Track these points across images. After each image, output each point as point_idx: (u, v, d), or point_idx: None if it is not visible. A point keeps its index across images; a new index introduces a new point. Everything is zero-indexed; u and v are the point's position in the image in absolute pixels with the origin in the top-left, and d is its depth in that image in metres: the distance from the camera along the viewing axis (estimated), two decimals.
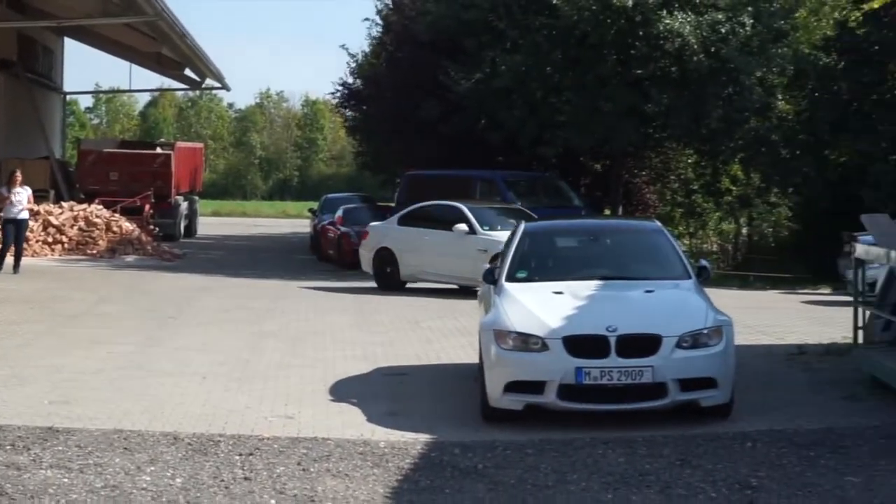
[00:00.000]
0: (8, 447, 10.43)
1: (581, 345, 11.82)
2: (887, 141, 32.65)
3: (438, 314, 21.16)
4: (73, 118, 63.13)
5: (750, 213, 37.12)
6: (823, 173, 34.19)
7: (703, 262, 14.60)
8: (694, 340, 12.01)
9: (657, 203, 36.23)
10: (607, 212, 33.31)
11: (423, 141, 35.29)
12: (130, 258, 33.74)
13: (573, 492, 9.45)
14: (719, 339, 12.15)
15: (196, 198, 49.03)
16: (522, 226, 15.11)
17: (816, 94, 34.07)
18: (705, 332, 12.12)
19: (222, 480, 9.54)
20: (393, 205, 33.34)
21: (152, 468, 9.86)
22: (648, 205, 35.59)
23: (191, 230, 44.72)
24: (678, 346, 11.90)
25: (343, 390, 13.88)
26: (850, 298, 24.59)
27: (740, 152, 35.58)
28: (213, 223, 51.32)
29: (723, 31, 32.21)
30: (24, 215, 28.74)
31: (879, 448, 10.99)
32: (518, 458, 10.55)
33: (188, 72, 51.24)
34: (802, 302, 24.98)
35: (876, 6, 33.45)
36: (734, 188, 37.37)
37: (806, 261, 30.75)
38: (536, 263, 13.88)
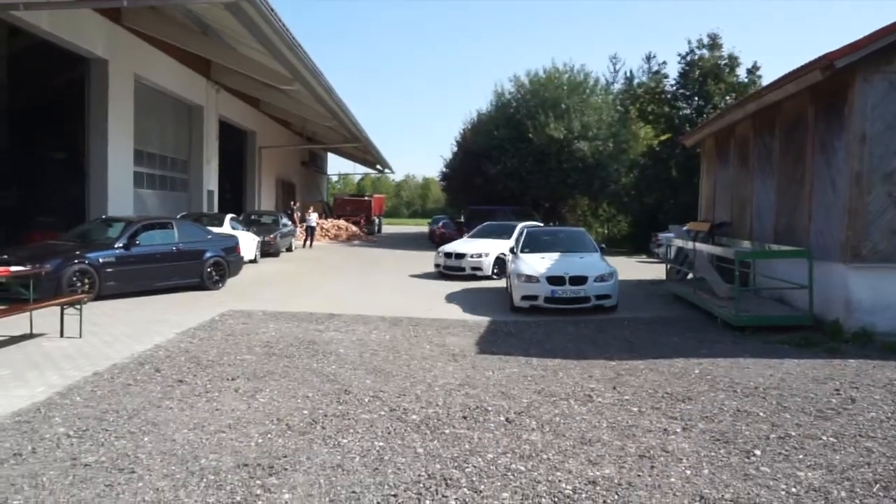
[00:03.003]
0: (314, 321, 10.07)
1: (553, 280, 11.38)
2: (668, 195, 31.76)
3: None
4: (329, 185, 63.14)
5: (611, 224, 36.14)
6: (642, 208, 33.37)
7: (602, 245, 13.95)
8: (601, 278, 11.51)
9: (573, 221, 35.28)
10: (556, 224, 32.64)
11: (475, 194, 34.51)
12: (356, 242, 33.42)
13: (553, 342, 9.02)
14: (612, 277, 11.65)
15: (381, 217, 48.82)
16: (525, 229, 14.67)
17: (639, 176, 33.18)
18: (605, 274, 11.62)
19: (405, 337, 9.13)
20: (462, 220, 32.56)
21: (375, 331, 9.47)
22: (568, 221, 34.70)
23: (379, 230, 44.35)
24: (595, 280, 11.42)
25: (451, 298, 13.40)
26: (656, 261, 24.21)
27: (607, 199, 34.93)
28: (388, 228, 50.69)
29: (600, 148, 31.50)
30: (314, 224, 28.51)
31: (681, 325, 10.41)
32: (529, 328, 10.07)
33: (377, 166, 50.96)
34: (636, 262, 24.16)
35: (663, 139, 32.94)
36: (604, 214, 36.57)
37: (634, 245, 29.62)
38: (532, 245, 13.31)
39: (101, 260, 11.21)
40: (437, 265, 17.48)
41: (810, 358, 7.95)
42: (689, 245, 13.53)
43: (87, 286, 10.86)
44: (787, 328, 9.61)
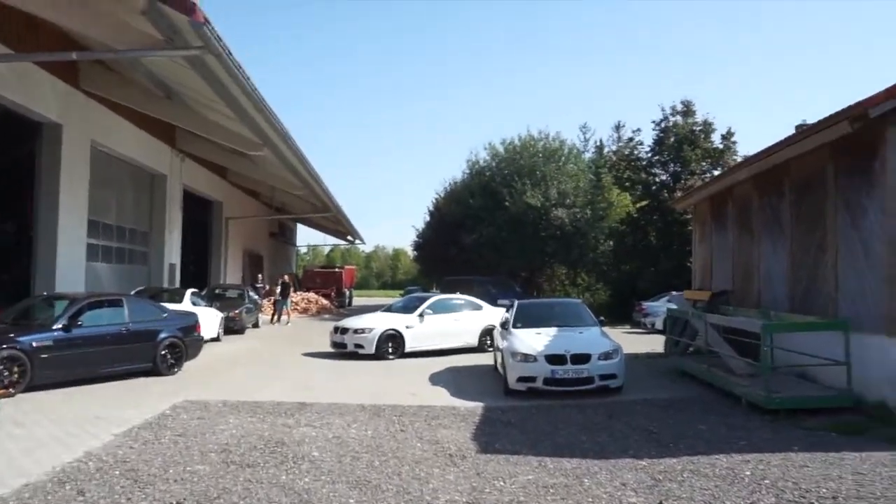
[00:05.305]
0: (282, 413, 8.66)
1: (553, 358, 10.13)
2: (646, 262, 31.12)
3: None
4: (299, 256, 61.71)
5: (590, 293, 34.84)
6: (621, 276, 32.56)
7: (601, 318, 12.69)
8: (606, 356, 10.31)
9: (550, 291, 34.22)
10: (535, 293, 31.54)
11: (450, 265, 33.29)
12: (326, 315, 31.78)
13: (563, 434, 7.77)
14: (617, 354, 10.45)
15: (352, 289, 47.28)
16: (517, 302, 13.37)
17: (617, 244, 32.46)
18: (610, 351, 10.41)
19: (390, 432, 7.77)
20: (437, 291, 31.33)
21: (355, 425, 8.09)
22: (546, 291, 33.70)
23: (350, 303, 42.70)
24: (599, 359, 10.21)
25: (434, 379, 12.02)
26: (643, 331, 23.13)
27: (586, 267, 33.95)
28: (359, 300, 48.94)
29: (578, 216, 30.85)
30: (279, 297, 26.88)
31: (701, 408, 9.22)
32: (530, 415, 8.80)
33: (348, 237, 49.83)
34: (622, 332, 22.78)
35: (641, 205, 32.47)
36: (583, 282, 35.44)
37: (615, 314, 28.15)
38: (526, 319, 12.02)
39: (34, 344, 9.69)
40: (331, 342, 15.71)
41: (870, 450, 6.76)
42: (696, 315, 12.43)
43: (15, 375, 9.33)
44: (822, 410, 8.49)
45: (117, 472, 5.85)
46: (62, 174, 15.70)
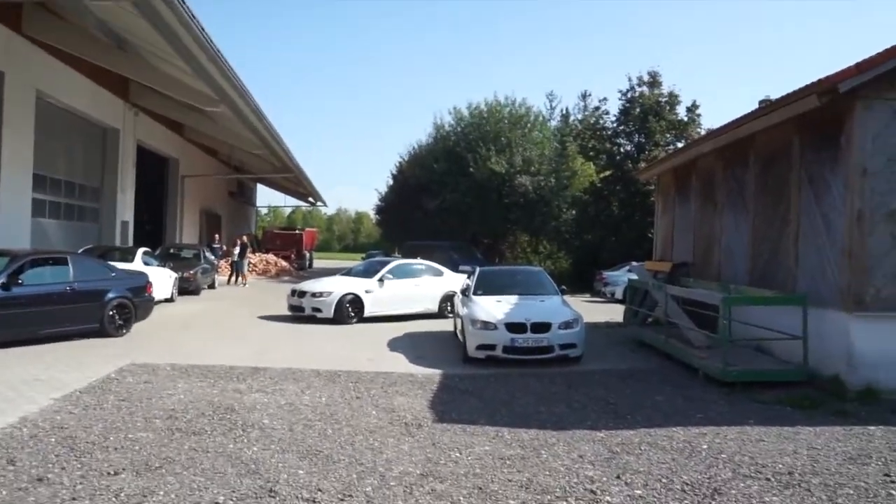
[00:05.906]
0: (233, 378, 8.39)
1: (513, 327, 10.01)
2: (608, 232, 31.25)
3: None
4: (259, 217, 60.38)
5: (551, 261, 34.79)
6: (583, 245, 32.67)
7: (562, 287, 12.62)
8: (566, 325, 10.22)
9: (512, 258, 34.15)
10: (497, 260, 31.50)
11: (412, 230, 32.87)
12: (286, 277, 31.25)
13: (521, 403, 7.66)
14: (578, 324, 10.36)
15: (312, 252, 46.66)
16: (478, 269, 13.19)
17: (580, 213, 32.45)
18: (571, 321, 10.32)
19: (345, 399, 7.57)
20: (399, 255, 31.00)
21: (308, 391, 7.87)
22: (508, 258, 33.63)
23: (310, 266, 42.17)
24: (559, 328, 10.12)
25: (393, 345, 11.84)
26: (603, 301, 23.24)
27: (548, 236, 33.87)
28: (319, 263, 48.27)
29: (542, 184, 30.64)
30: (237, 258, 26.27)
31: (659, 379, 9.19)
32: (488, 384, 8.67)
33: (310, 199, 49.05)
34: (582, 301, 22.81)
35: (605, 175, 32.47)
36: (545, 250, 35.37)
37: (576, 283, 28.28)
38: (487, 286, 11.87)
39: None
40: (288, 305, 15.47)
41: (824, 424, 6.82)
42: (657, 286, 12.43)
43: None
44: (778, 384, 8.56)
45: (53, 440, 5.56)
46: (4, 124, 14.93)
